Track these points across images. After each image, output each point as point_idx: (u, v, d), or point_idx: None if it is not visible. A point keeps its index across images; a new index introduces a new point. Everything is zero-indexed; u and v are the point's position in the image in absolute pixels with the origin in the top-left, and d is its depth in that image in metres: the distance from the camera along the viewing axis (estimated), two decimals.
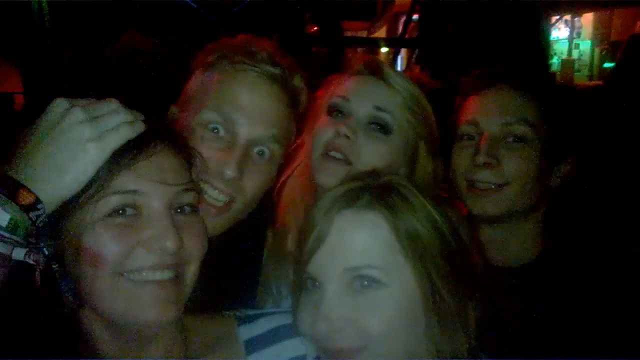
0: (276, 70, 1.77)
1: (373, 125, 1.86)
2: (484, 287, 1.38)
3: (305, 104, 1.88)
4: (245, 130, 1.71)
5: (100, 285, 1.24)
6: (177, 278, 1.30)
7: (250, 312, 1.57)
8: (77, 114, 1.22)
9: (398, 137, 1.88)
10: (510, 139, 1.88)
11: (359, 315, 1.27)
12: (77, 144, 1.20)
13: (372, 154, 1.82)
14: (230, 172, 1.67)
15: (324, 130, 1.88)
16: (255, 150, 1.74)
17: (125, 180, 1.25)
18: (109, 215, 1.24)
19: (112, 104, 1.28)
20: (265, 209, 1.96)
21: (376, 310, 1.28)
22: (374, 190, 1.35)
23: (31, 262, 1.16)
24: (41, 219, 1.17)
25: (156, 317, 1.27)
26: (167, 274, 1.28)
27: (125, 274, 1.25)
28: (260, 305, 1.93)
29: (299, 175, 2.00)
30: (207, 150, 1.65)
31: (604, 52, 10.85)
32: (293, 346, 1.46)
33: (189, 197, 1.36)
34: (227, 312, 1.55)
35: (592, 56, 11.49)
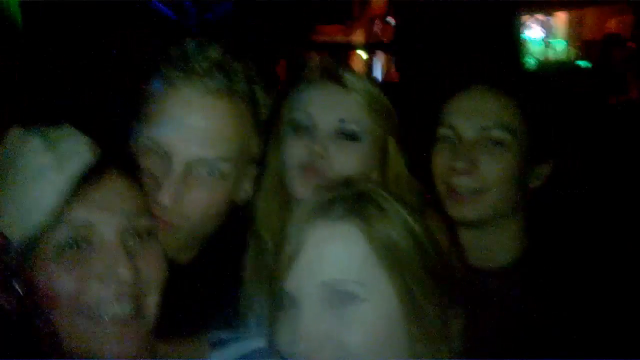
0: (214, 83, 1.62)
1: (341, 135, 1.85)
2: (464, 293, 1.35)
3: (267, 108, 1.79)
4: (181, 155, 1.59)
5: (58, 324, 1.20)
6: (138, 312, 1.27)
7: (224, 335, 1.53)
8: (35, 142, 1.18)
9: (368, 141, 1.88)
10: (488, 143, 1.85)
11: (338, 332, 1.23)
12: (39, 175, 1.16)
13: (346, 163, 1.81)
14: (163, 200, 1.57)
15: (293, 149, 1.84)
16: (203, 170, 1.64)
17: (75, 211, 1.20)
18: (61, 250, 1.20)
19: (69, 130, 1.24)
20: (244, 223, 1.91)
21: (355, 325, 1.23)
22: (347, 200, 1.30)
23: (5, 304, 1.13)
24: (13, 260, 1.14)
25: (117, 355, 1.23)
26: (126, 307, 1.24)
27: (83, 310, 1.21)
28: (242, 322, 1.86)
29: (269, 188, 1.94)
30: (149, 173, 1.56)
31: (576, 51, 11.00)
32: None
33: (143, 222, 1.32)
34: (200, 336, 1.51)
35: (568, 56, 11.64)
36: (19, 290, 1.16)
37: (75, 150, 1.20)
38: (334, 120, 1.84)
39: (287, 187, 1.90)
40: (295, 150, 1.84)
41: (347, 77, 1.89)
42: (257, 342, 1.48)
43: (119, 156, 1.35)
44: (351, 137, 1.85)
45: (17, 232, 1.14)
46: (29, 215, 1.15)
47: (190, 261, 1.80)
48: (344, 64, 2.09)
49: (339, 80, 1.88)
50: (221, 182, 1.67)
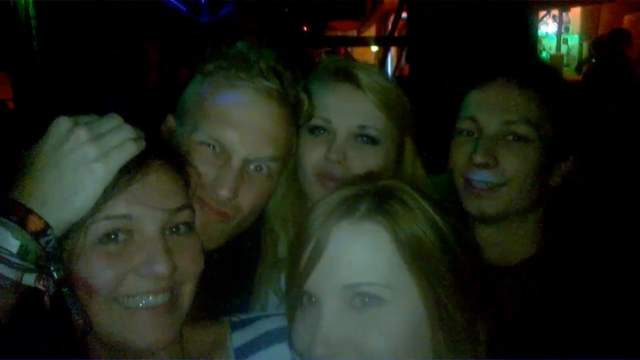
0: (273, 85, 1.69)
1: (360, 138, 1.86)
2: (488, 294, 1.30)
3: (306, 115, 1.83)
4: (240, 151, 1.67)
5: (94, 311, 1.23)
6: (172, 301, 1.30)
7: (245, 316, 1.56)
8: (81, 133, 1.20)
9: (385, 143, 1.89)
10: (510, 138, 1.81)
11: (360, 336, 1.18)
12: (83, 165, 1.19)
13: (364, 167, 1.82)
14: (224, 194, 1.64)
15: (310, 154, 1.86)
16: (252, 166, 1.71)
17: (117, 203, 1.23)
18: (100, 241, 1.23)
19: (115, 120, 1.26)
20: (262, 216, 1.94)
21: (378, 329, 1.18)
22: (372, 197, 1.25)
23: (41, 287, 1.15)
24: (51, 243, 1.17)
25: (151, 343, 1.27)
26: (161, 298, 1.27)
27: (119, 299, 1.24)
28: (251, 308, 1.92)
29: (283, 182, 1.95)
30: (204, 167, 1.63)
31: (591, 47, 10.91)
32: (282, 351, 1.44)
33: (184, 216, 1.34)
34: (223, 318, 1.54)
35: (581, 50, 11.55)
36: (56, 274, 1.19)
37: (120, 142, 1.22)
38: (353, 126, 1.85)
39: (302, 186, 1.92)
40: (312, 156, 1.86)
41: (362, 76, 1.87)
42: (276, 322, 1.50)
43: (163, 150, 1.36)
44: (370, 141, 1.87)
45: (56, 218, 1.17)
46: (69, 203, 1.17)
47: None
48: (356, 62, 2.07)
49: (354, 81, 1.87)
50: (268, 179, 1.75)
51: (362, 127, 1.85)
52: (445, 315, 1.21)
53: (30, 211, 1.15)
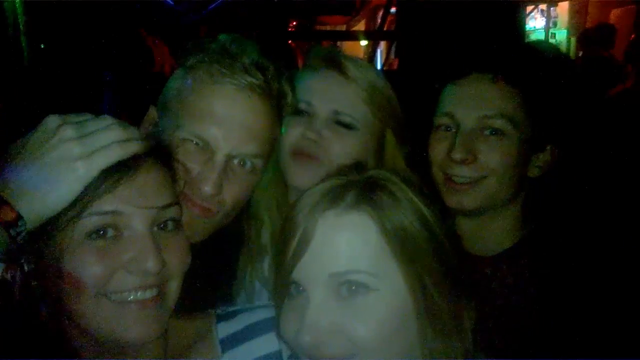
0: (256, 80, 1.69)
1: (336, 123, 1.91)
2: (473, 284, 1.32)
3: (291, 106, 1.85)
4: (223, 147, 1.67)
5: (82, 306, 1.24)
6: (160, 295, 1.31)
7: (231, 308, 1.57)
8: (67, 131, 1.21)
9: (363, 131, 1.94)
10: (487, 132, 1.83)
11: (347, 323, 1.20)
12: (64, 162, 1.19)
13: (339, 150, 1.88)
14: (208, 189, 1.66)
15: (289, 131, 1.89)
16: (236, 161, 1.72)
17: (106, 201, 1.23)
18: (89, 237, 1.23)
19: (106, 121, 1.26)
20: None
21: (365, 317, 1.20)
22: (358, 187, 1.26)
23: (8, 278, 1.15)
24: (22, 235, 1.16)
25: (139, 337, 1.28)
26: (149, 293, 1.29)
27: (107, 294, 1.25)
28: (234, 299, 1.95)
29: (270, 172, 1.99)
30: (188, 163, 1.64)
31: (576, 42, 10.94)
32: (268, 342, 1.46)
33: (172, 212, 1.35)
34: (208, 310, 1.55)
35: (569, 45, 11.59)
36: (26, 266, 1.19)
37: (106, 143, 1.22)
38: (329, 110, 1.90)
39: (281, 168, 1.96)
40: (290, 135, 1.90)
41: (350, 66, 1.93)
42: (261, 314, 1.51)
43: (152, 148, 1.36)
44: (346, 126, 1.91)
45: (30, 212, 1.17)
46: (45, 197, 1.18)
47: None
48: (347, 54, 2.11)
49: (340, 69, 1.92)
50: (252, 174, 1.76)
51: (337, 112, 1.91)
52: (432, 304, 1.22)
53: (3, 201, 1.15)
